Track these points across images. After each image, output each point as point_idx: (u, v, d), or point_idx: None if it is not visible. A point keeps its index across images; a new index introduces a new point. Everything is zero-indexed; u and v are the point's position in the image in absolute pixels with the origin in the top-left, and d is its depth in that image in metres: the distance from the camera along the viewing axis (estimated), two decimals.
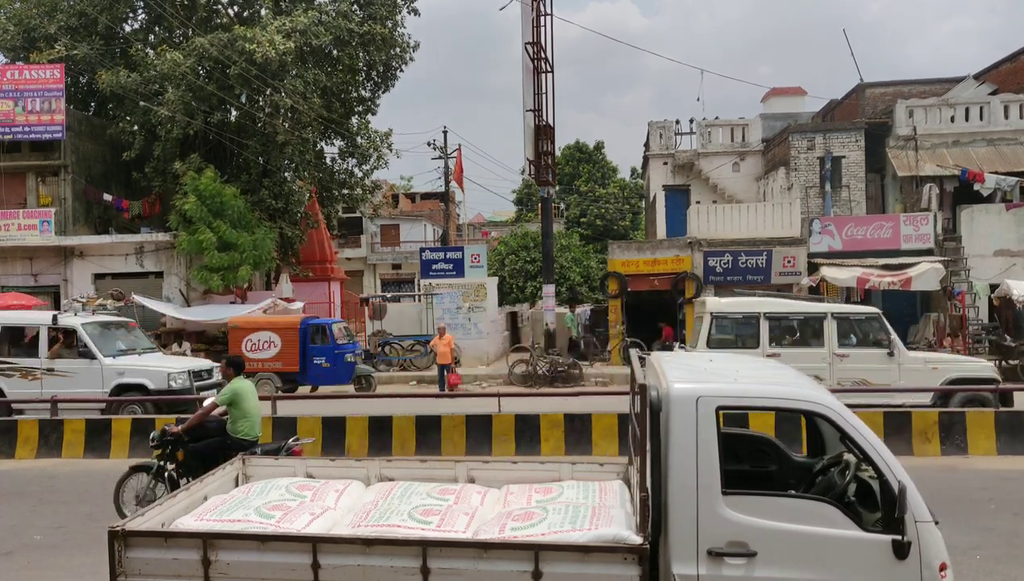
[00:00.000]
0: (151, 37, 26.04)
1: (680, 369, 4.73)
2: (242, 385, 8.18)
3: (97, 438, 12.05)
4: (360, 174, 28.16)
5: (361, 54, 25.65)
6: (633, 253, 23.18)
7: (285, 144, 23.53)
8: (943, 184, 23.48)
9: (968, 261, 21.49)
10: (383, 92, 27.82)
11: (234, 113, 24.85)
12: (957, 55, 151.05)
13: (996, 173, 22.88)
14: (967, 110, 24.43)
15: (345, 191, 28.61)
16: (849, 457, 4.53)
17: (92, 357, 14.39)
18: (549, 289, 22.68)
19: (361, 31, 24.60)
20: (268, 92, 23.59)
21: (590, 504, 4.79)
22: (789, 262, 21.69)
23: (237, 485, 5.82)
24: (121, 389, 14.25)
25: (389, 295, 30.73)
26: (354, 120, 27.53)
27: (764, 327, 13.39)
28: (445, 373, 18.68)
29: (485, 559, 4.19)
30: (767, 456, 5.43)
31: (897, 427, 10.85)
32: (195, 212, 21.38)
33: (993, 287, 20.79)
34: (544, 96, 21.78)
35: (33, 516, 8.93)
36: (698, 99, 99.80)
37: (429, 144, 39.37)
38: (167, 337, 22.34)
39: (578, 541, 4.19)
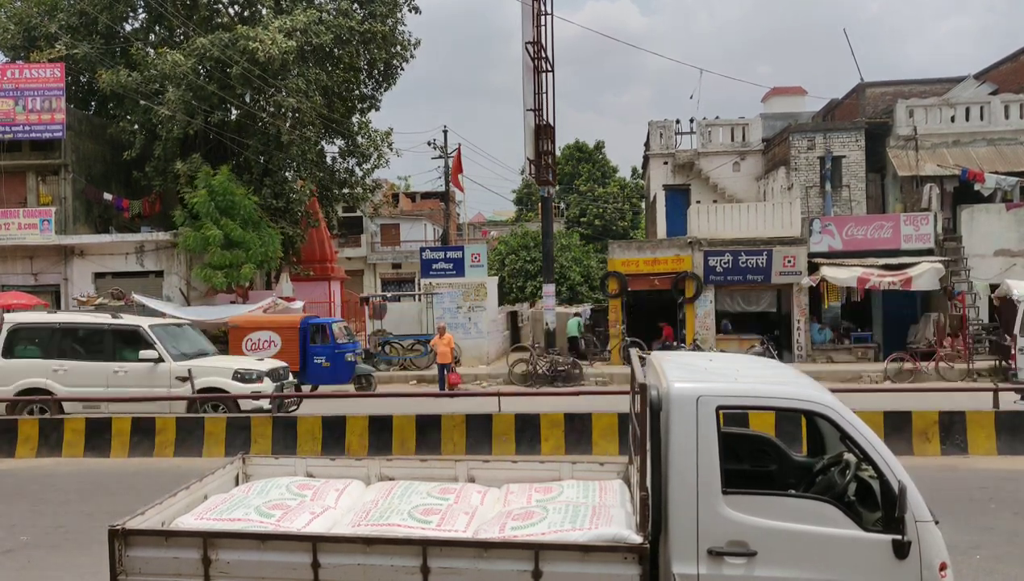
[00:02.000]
0: (152, 36, 26.05)
1: (680, 369, 4.72)
2: None
3: (97, 437, 12.04)
4: (360, 173, 28.17)
5: (362, 52, 25.65)
6: (633, 253, 23.18)
7: (289, 144, 23.54)
8: (943, 184, 23.47)
9: (968, 261, 21.49)
10: (384, 90, 27.83)
11: (234, 113, 24.86)
12: (956, 54, 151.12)
13: (996, 173, 22.88)
14: (967, 110, 24.42)
15: (345, 190, 28.61)
16: (849, 457, 4.53)
17: None
18: (549, 289, 22.69)
19: (362, 29, 24.60)
20: (271, 92, 23.60)
21: (590, 503, 4.79)
22: (789, 262, 21.69)
23: (237, 484, 5.83)
24: None
25: (389, 294, 30.75)
26: (355, 119, 27.54)
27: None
28: (445, 372, 18.69)
29: (485, 558, 4.19)
30: (767, 456, 5.43)
31: (897, 427, 10.84)
32: (203, 207, 21.39)
33: (993, 287, 20.79)
34: (544, 95, 21.78)
35: (33, 515, 8.93)
36: (691, 97, 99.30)
37: (429, 143, 39.37)
38: None
39: (578, 540, 4.19)
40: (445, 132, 39.16)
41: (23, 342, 14.58)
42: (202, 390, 13.71)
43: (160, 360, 13.85)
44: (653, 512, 4.07)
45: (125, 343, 14.29)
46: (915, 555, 3.93)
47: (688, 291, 22.22)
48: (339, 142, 27.65)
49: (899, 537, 3.92)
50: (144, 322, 14.64)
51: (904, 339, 21.20)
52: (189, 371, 13.78)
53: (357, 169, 28.04)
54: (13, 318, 15.02)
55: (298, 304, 23.23)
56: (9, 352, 14.36)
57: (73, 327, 14.78)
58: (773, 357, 17.69)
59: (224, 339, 20.93)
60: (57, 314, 15.81)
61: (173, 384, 13.77)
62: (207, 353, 15.07)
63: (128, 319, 15.04)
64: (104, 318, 15.05)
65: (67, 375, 14.09)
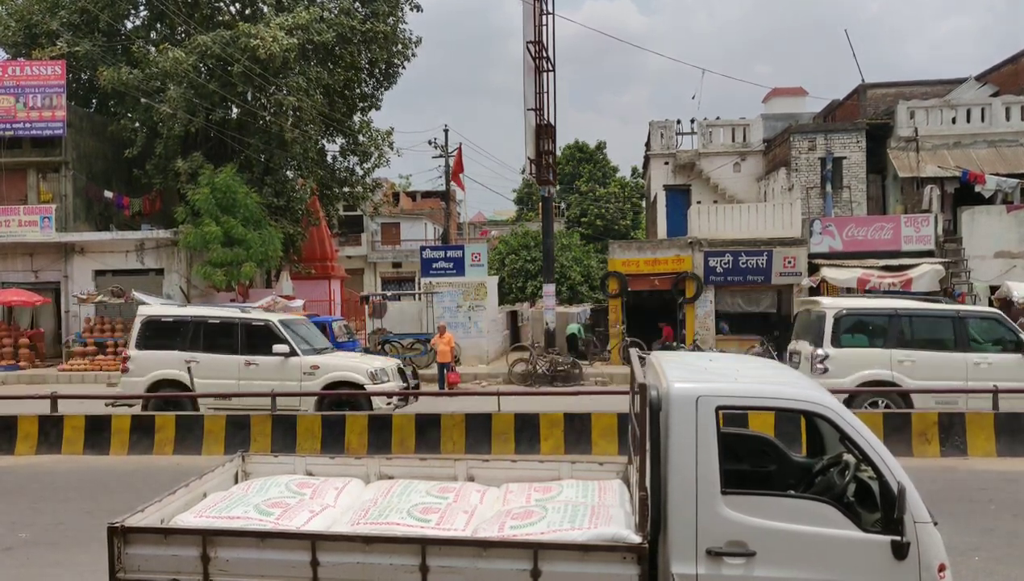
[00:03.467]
0: (153, 34, 26.08)
1: (680, 369, 4.72)
2: None
3: (97, 434, 12.03)
4: (361, 172, 28.20)
5: (363, 51, 25.66)
6: (634, 253, 23.18)
7: (291, 143, 23.55)
8: (944, 185, 23.47)
9: (968, 262, 21.50)
10: (385, 89, 27.85)
11: (235, 111, 24.87)
12: (956, 54, 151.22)
13: (997, 174, 22.88)
14: (968, 111, 24.42)
15: (346, 189, 28.65)
16: (849, 457, 4.53)
17: None
18: (549, 288, 22.68)
19: (363, 29, 24.60)
20: (272, 90, 23.60)
21: (589, 503, 4.79)
22: (790, 262, 21.69)
23: (237, 482, 5.82)
24: None
25: (389, 293, 30.75)
26: (356, 118, 27.56)
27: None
28: (445, 372, 18.70)
29: (484, 557, 4.19)
30: (767, 456, 5.42)
31: (896, 427, 10.84)
32: (204, 205, 21.38)
33: (993, 289, 20.79)
34: (545, 95, 21.78)
35: (33, 512, 8.93)
36: (693, 97, 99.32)
37: (430, 142, 39.37)
38: None
39: (577, 540, 4.19)
40: (446, 131, 39.21)
41: (853, 330, 12.93)
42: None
43: None
44: (652, 512, 4.07)
45: None
46: (914, 556, 3.93)
47: (688, 291, 22.22)
48: (340, 141, 27.70)
49: (898, 538, 3.92)
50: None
51: None
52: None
53: (358, 168, 28.11)
54: (837, 304, 13.07)
55: (298, 302, 23.24)
56: (837, 341, 12.59)
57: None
58: (773, 358, 17.68)
59: None
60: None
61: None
62: None
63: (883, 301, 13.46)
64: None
65: (915, 367, 12.40)
